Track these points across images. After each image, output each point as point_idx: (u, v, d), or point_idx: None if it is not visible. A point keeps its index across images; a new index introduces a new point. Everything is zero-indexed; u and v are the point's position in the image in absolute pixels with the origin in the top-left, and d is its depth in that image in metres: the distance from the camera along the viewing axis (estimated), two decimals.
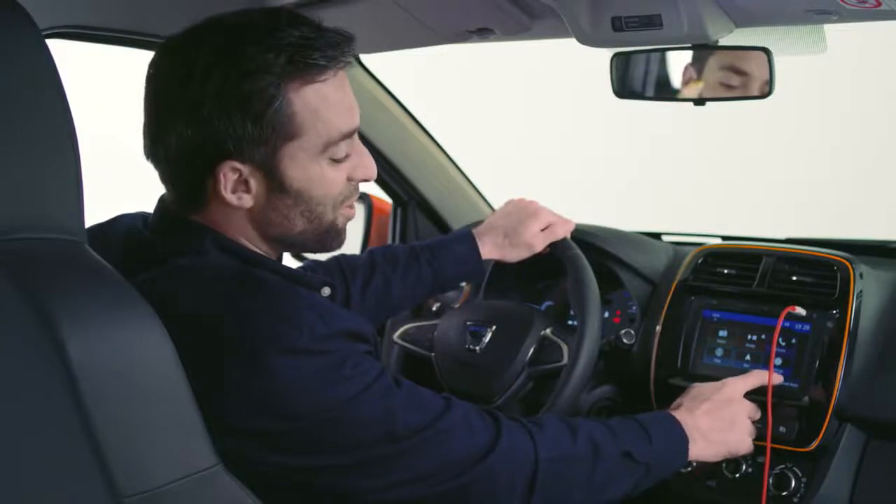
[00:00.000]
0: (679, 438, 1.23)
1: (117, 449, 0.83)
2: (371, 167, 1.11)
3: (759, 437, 1.37)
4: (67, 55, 1.18)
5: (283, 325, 0.97)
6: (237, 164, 1.02)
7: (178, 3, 1.04)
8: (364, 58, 1.82)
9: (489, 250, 1.49)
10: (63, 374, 0.81)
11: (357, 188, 1.12)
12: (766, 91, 1.32)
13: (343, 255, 1.47)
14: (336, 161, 1.06)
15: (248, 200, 1.04)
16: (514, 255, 1.50)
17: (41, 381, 0.82)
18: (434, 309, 1.63)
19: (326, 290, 1.14)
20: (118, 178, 1.10)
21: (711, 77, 1.39)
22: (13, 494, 0.84)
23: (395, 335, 1.58)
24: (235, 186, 1.03)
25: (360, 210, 2.01)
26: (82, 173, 0.89)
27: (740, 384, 1.33)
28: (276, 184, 1.04)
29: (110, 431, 0.83)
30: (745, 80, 1.37)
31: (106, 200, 1.20)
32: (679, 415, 1.26)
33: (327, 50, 1.02)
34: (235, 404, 0.95)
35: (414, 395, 1.06)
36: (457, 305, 1.61)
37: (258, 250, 1.09)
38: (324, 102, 1.03)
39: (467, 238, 1.49)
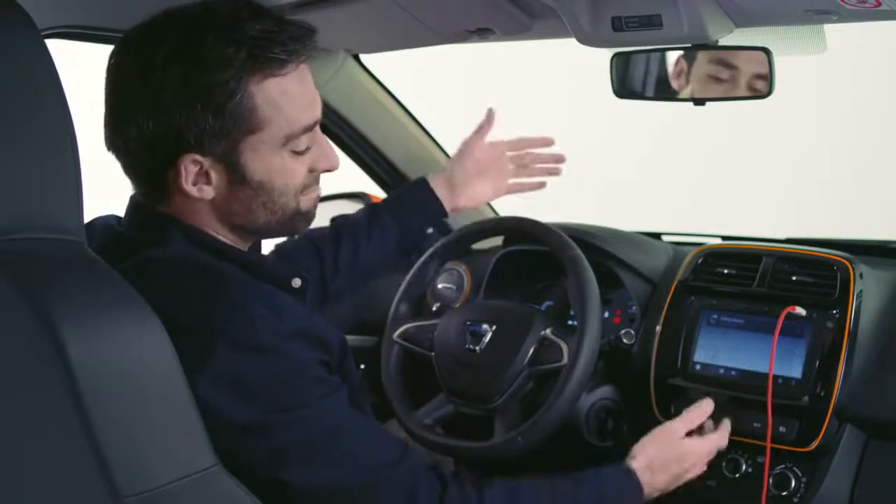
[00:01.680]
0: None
1: (117, 449, 0.84)
2: (333, 158, 1.12)
3: (759, 436, 1.37)
4: (67, 55, 1.18)
5: (237, 319, 0.97)
6: (198, 157, 1.02)
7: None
8: (364, 58, 1.82)
9: (444, 193, 1.51)
10: (63, 374, 0.81)
11: (318, 178, 1.13)
12: (765, 90, 1.32)
13: (312, 231, 1.39)
14: (297, 153, 1.07)
15: (209, 192, 1.04)
16: (466, 193, 1.53)
17: (41, 381, 0.82)
18: (434, 309, 1.63)
19: (297, 282, 1.13)
20: (117, 177, 1.09)
21: (701, 70, 1.39)
22: (13, 494, 0.84)
23: (395, 334, 1.58)
24: (196, 179, 1.03)
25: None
26: (82, 173, 0.89)
27: (700, 444, 1.34)
28: (237, 176, 1.04)
29: (110, 431, 0.83)
30: (733, 73, 1.37)
31: (106, 200, 1.20)
32: (640, 474, 1.26)
33: (288, 44, 1.02)
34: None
35: (372, 431, 1.06)
36: (457, 305, 1.61)
37: (226, 240, 1.09)
38: (284, 96, 1.03)
39: (423, 185, 1.51)
